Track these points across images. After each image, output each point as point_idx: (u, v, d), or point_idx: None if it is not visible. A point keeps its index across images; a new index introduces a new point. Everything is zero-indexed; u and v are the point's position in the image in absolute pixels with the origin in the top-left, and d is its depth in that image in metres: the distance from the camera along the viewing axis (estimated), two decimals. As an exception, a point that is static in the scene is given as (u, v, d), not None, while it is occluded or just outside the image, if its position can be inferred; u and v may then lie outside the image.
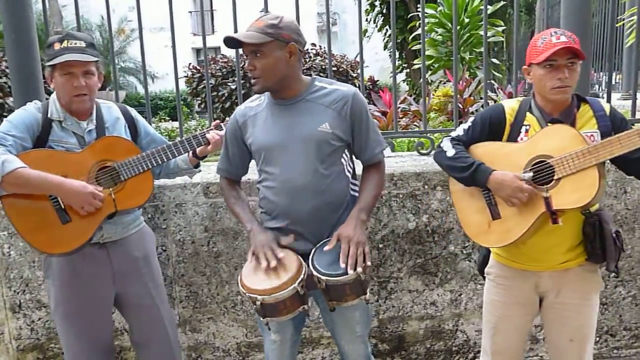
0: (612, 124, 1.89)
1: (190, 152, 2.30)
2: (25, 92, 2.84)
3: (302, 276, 1.89)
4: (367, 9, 12.34)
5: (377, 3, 12.35)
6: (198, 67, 10.10)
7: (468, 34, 7.09)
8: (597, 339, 2.96)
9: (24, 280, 2.84)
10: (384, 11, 12.17)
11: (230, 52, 8.91)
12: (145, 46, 3.16)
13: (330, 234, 2.00)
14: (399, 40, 11.20)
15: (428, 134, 3.31)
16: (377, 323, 2.95)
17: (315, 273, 1.87)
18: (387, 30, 12.31)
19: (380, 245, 2.87)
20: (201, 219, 2.82)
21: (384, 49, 13.05)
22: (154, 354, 2.39)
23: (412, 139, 3.72)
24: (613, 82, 5.73)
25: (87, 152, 2.14)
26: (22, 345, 2.93)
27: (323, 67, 7.85)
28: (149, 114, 3.12)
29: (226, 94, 8.95)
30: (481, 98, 5.34)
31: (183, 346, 2.95)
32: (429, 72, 7.13)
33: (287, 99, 2.02)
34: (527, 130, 1.96)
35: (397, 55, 10.17)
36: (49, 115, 2.13)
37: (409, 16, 10.97)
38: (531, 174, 1.87)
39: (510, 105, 2.02)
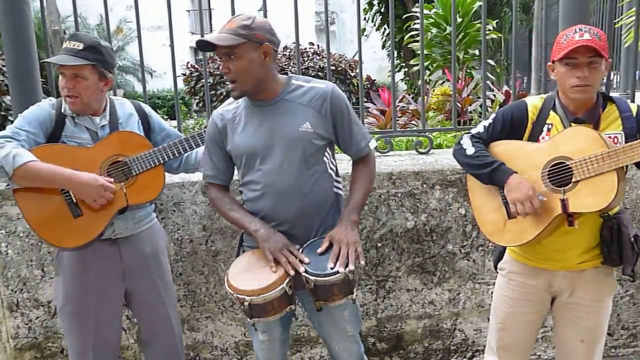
0: (638, 126, 1.85)
1: None
2: (22, 90, 2.83)
3: (290, 276, 1.88)
4: (365, 8, 12.33)
5: (375, 2, 12.33)
6: (196, 66, 10.11)
7: (462, 34, 7.10)
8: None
9: (22, 279, 2.83)
10: (382, 10, 12.16)
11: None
12: (143, 45, 3.16)
13: (317, 232, 2.00)
14: (397, 39, 11.19)
15: (426, 133, 3.32)
16: (375, 322, 2.96)
17: (303, 273, 1.86)
18: (385, 29, 12.30)
19: (379, 244, 2.87)
20: (199, 218, 2.82)
21: (382, 48, 13.04)
22: (160, 353, 2.39)
23: (410, 137, 3.71)
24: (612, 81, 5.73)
25: (98, 147, 2.15)
26: (20, 345, 2.92)
27: (321, 66, 7.85)
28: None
29: (224, 93, 8.95)
30: (479, 97, 5.34)
31: (181, 345, 2.95)
32: (427, 73, 7.13)
33: (266, 100, 1.99)
34: (549, 130, 1.92)
35: (395, 54, 10.17)
36: (62, 111, 2.15)
37: (406, 15, 10.96)
38: (544, 198, 1.83)
39: (533, 103, 1.97)
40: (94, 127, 2.18)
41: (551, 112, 1.93)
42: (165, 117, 12.07)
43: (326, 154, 2.04)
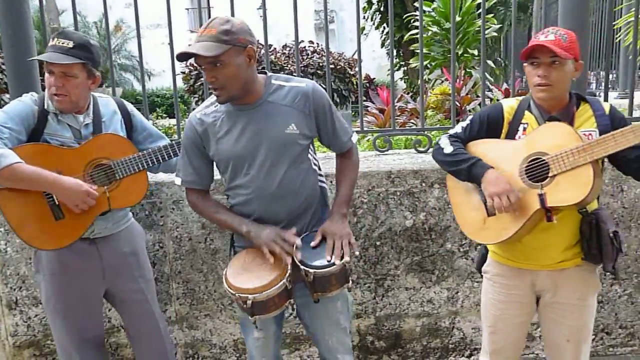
0: (612, 123, 1.88)
1: None
2: (21, 88, 2.82)
3: (289, 271, 1.90)
4: (364, 7, 12.30)
5: (374, 1, 12.31)
6: (195, 64, 10.06)
7: (462, 33, 7.09)
8: (593, 337, 2.97)
9: (21, 277, 2.84)
10: (382, 9, 12.14)
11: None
12: (142, 43, 3.16)
13: (307, 226, 2.03)
14: (396, 38, 11.18)
15: (425, 132, 3.32)
16: (373, 320, 2.96)
17: (302, 267, 1.88)
18: (384, 27, 12.28)
19: (378, 243, 2.87)
20: (198, 216, 2.81)
21: (381, 47, 13.01)
22: (147, 347, 2.41)
23: (409, 136, 3.72)
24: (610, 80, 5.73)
25: (83, 148, 2.13)
26: (19, 342, 2.92)
27: (320, 64, 7.83)
28: (146, 111, 3.10)
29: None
30: (478, 96, 5.34)
31: (180, 343, 2.96)
32: (426, 72, 7.13)
33: (249, 104, 1.96)
34: (524, 129, 1.96)
35: (394, 53, 10.16)
36: (45, 107, 2.11)
37: (406, 15, 10.94)
38: (520, 194, 1.86)
39: (509, 104, 2.02)
40: (77, 125, 2.15)
41: (526, 112, 1.98)
42: (165, 115, 12.07)
43: (310, 150, 2.06)
